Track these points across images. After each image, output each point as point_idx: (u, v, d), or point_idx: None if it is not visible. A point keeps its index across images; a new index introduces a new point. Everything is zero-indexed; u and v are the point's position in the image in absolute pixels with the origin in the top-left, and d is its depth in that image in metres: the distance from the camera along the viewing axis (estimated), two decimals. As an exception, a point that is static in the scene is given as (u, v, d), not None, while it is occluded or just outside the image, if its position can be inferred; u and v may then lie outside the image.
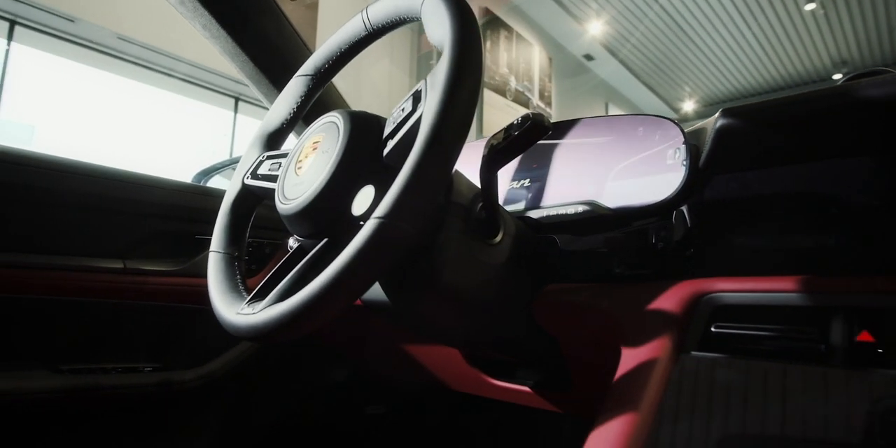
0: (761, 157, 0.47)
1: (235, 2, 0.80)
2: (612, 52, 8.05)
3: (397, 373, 0.96)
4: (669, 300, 0.43)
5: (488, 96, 6.28)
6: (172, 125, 3.96)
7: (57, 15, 3.06)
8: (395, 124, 0.46)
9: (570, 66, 8.00)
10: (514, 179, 0.73)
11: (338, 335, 0.98)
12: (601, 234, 0.61)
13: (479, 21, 6.04)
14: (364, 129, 0.49)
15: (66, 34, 3.22)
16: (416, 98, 0.44)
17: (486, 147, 0.50)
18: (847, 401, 0.31)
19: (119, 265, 0.79)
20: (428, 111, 0.40)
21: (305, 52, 0.85)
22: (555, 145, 0.70)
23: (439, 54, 0.43)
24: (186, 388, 0.81)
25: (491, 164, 0.50)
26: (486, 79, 6.29)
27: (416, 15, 0.49)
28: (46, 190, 0.74)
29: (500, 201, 0.74)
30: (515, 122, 0.48)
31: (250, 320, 0.44)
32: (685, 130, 0.55)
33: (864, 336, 0.33)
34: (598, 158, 0.64)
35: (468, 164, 0.66)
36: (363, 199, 0.46)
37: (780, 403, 0.32)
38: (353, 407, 1.04)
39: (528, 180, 0.71)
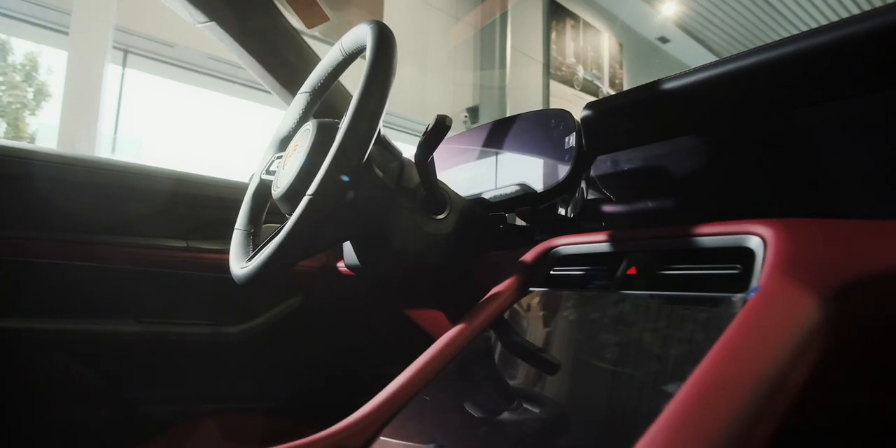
0: (622, 139, 0.57)
1: (263, 37, 1.01)
2: (690, 33, 7.61)
3: (405, 336, 1.13)
4: (533, 254, 0.56)
5: (555, 88, 6.23)
6: (257, 133, 4.42)
7: (159, 42, 3.57)
8: (340, 127, 0.63)
9: (642, 50, 7.69)
10: (473, 170, 0.87)
11: (357, 304, 1.17)
12: (533, 208, 0.74)
13: None
14: (325, 133, 0.66)
15: (166, 58, 3.74)
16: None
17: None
18: (604, 314, 0.43)
19: (183, 244, 1.03)
20: (346, 116, 0.56)
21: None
22: (502, 139, 0.83)
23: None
24: (232, 339, 1.05)
25: (419, 154, 0.66)
26: (552, 70, 6.26)
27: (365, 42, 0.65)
28: (133, 188, 0.99)
29: (462, 189, 0.88)
30: (429, 124, 0.63)
31: (244, 271, 0.63)
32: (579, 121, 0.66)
33: (632, 270, 0.45)
34: (525, 147, 0.76)
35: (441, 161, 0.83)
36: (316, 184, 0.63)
37: (576, 317, 0.45)
38: (370, 367, 1.22)
39: (484, 169, 0.85)
